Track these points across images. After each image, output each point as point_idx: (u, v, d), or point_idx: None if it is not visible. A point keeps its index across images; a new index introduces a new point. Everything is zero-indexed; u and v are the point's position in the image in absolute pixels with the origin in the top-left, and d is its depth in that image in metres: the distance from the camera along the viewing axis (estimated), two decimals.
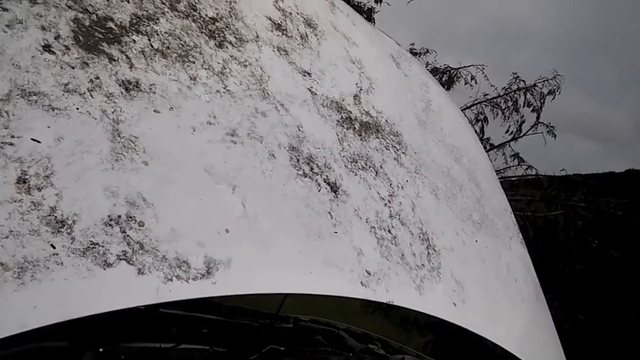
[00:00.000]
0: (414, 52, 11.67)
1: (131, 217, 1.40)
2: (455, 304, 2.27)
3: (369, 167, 2.33)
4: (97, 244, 1.30)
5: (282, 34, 2.38)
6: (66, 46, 1.54)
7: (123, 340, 2.28)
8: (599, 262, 12.38)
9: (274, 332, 3.30)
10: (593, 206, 12.19)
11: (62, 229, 1.27)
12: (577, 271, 12.39)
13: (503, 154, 12.21)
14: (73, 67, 1.52)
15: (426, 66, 11.63)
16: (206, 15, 2.08)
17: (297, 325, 3.56)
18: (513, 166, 12.22)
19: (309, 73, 2.37)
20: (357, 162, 2.28)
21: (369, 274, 1.95)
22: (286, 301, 3.56)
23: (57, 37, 1.54)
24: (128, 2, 1.82)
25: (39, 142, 1.34)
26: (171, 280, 1.39)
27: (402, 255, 2.15)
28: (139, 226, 1.40)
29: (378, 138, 2.53)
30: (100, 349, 2.01)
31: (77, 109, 1.46)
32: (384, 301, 1.96)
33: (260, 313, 3.47)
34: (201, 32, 2.00)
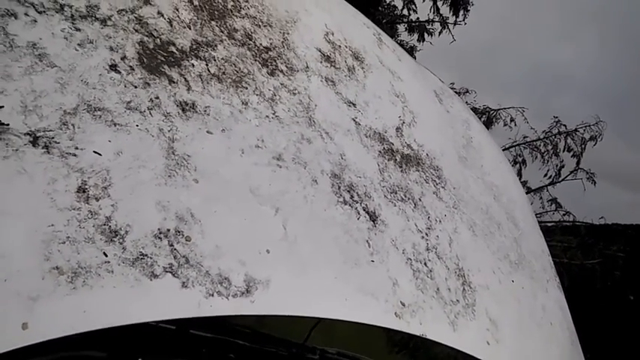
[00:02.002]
0: (453, 92, 11.67)
1: (179, 232, 1.45)
2: (488, 343, 2.23)
3: (408, 199, 2.34)
4: (146, 255, 1.36)
5: (331, 65, 2.46)
6: (130, 67, 1.64)
7: (156, 356, 2.32)
8: (637, 316, 11.88)
9: None
10: (632, 257, 11.78)
11: (115, 239, 1.33)
12: (613, 323, 11.91)
13: (541, 198, 11.95)
14: (136, 87, 1.61)
15: None
16: (260, 44, 2.17)
17: (323, 357, 3.55)
18: (550, 211, 11.93)
19: (354, 104, 2.43)
20: (396, 193, 2.30)
21: (404, 305, 1.95)
22: (312, 333, 3.56)
23: (123, 58, 1.64)
24: (189, 29, 1.92)
25: (100, 154, 1.42)
26: (213, 295, 1.43)
27: (438, 289, 2.15)
28: (186, 240, 1.45)
29: (419, 171, 2.55)
30: None
31: (137, 125, 1.54)
32: (417, 334, 1.95)
33: (287, 342, 3.47)
34: (255, 60, 2.09)
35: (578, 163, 11.72)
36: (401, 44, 10.85)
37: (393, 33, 11.06)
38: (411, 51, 11.42)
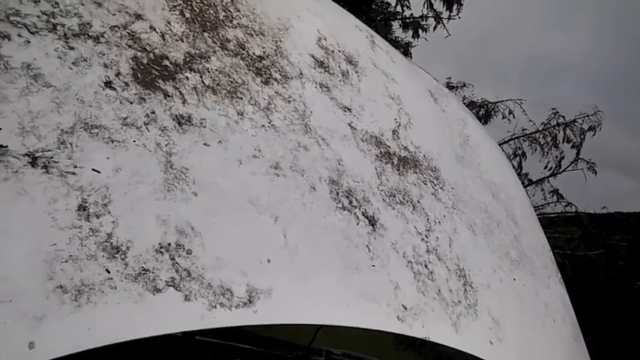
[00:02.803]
0: (450, 86, 11.70)
1: (180, 245, 1.47)
2: (491, 343, 2.24)
3: (407, 202, 2.36)
4: (148, 270, 1.37)
5: (325, 71, 2.47)
6: (125, 83, 1.65)
7: None
8: None
9: None
10: (635, 246, 11.79)
11: (117, 255, 1.34)
12: (618, 313, 11.91)
13: (542, 190, 11.96)
14: (132, 102, 1.63)
15: (463, 100, 11.63)
16: (254, 53, 2.18)
17: (329, 358, 3.57)
18: (552, 202, 11.94)
19: (349, 109, 2.44)
20: (395, 196, 2.31)
21: (406, 308, 1.96)
22: (318, 334, 3.57)
23: (117, 74, 1.65)
24: (182, 41, 1.93)
25: (99, 172, 1.43)
26: (215, 307, 1.45)
27: (439, 291, 2.16)
28: (187, 253, 1.47)
29: (416, 173, 2.56)
30: None
31: (134, 141, 1.55)
32: (420, 337, 1.96)
33: (293, 345, 3.49)
34: (249, 70, 2.10)
35: (577, 153, 11.74)
36: (396, 41, 10.86)
37: (387, 30, 11.07)
38: (406, 47, 11.43)
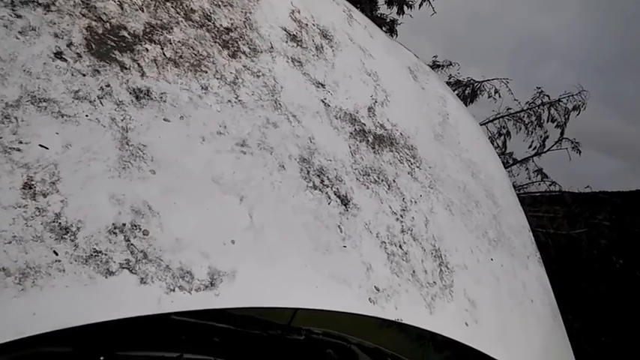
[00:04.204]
0: (436, 65, 11.64)
1: (136, 226, 1.39)
2: (467, 324, 2.21)
3: (382, 181, 2.30)
4: (100, 252, 1.30)
5: (297, 45, 2.38)
6: (78, 54, 1.56)
7: (131, 346, 2.28)
8: (624, 283, 12.06)
9: (285, 344, 3.28)
10: (618, 225, 11.94)
11: (66, 236, 1.27)
12: (600, 291, 12.09)
13: (527, 169, 12.02)
14: (84, 75, 1.53)
15: (449, 78, 11.59)
16: (220, 25, 2.08)
17: (308, 338, 3.54)
18: (536, 181, 12.01)
19: (322, 85, 2.36)
20: (369, 175, 2.25)
21: (378, 290, 1.91)
22: (300, 312, 3.53)
23: (69, 45, 1.55)
24: (142, 11, 1.83)
25: (47, 148, 1.35)
26: (174, 290, 1.38)
27: (413, 272, 2.11)
28: (144, 234, 1.40)
29: (392, 151, 2.49)
30: (101, 358, 2.00)
31: (86, 116, 1.46)
32: (393, 319, 1.92)
33: (271, 324, 3.45)
34: (215, 42, 2.01)
35: (562, 133, 11.82)
36: (381, 18, 10.73)
37: (372, 7, 10.91)
38: (392, 24, 11.31)
